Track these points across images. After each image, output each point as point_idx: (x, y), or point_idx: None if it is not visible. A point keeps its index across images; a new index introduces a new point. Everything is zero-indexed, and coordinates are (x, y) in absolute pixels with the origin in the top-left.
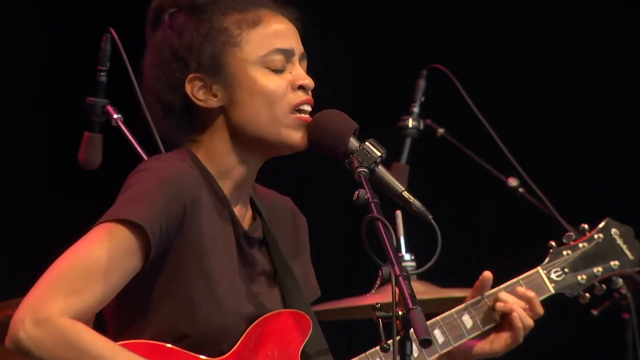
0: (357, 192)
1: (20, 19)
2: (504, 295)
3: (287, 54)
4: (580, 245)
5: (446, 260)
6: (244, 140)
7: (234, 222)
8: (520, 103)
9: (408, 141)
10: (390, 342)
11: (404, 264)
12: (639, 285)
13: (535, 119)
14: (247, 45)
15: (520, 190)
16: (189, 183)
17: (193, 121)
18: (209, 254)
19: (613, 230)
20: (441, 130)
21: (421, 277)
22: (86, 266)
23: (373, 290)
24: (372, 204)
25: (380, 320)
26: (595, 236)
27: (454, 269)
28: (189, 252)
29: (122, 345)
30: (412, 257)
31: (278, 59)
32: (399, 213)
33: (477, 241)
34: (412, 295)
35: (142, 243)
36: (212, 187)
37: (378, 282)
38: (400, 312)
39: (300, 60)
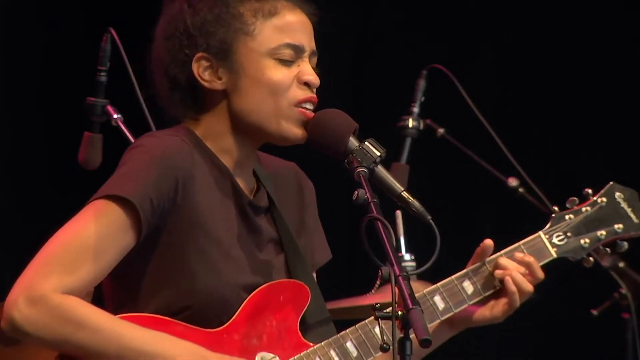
0: (356, 192)
1: (20, 19)
2: (503, 261)
3: (297, 49)
4: (584, 209)
5: (446, 260)
6: (243, 125)
7: (237, 192)
8: (520, 103)
9: (408, 141)
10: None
11: (404, 264)
12: (639, 285)
13: (535, 119)
14: (259, 36)
15: (520, 190)
16: (181, 158)
17: (196, 99)
18: (206, 226)
19: (617, 194)
20: (441, 130)
21: (421, 277)
22: (78, 244)
23: (373, 290)
24: (371, 203)
25: (379, 320)
26: (599, 200)
27: (453, 269)
28: (185, 226)
29: (122, 318)
30: (412, 257)
31: (287, 52)
32: (399, 213)
33: (477, 241)
34: (412, 295)
35: (133, 219)
36: (211, 161)
37: (378, 282)
38: (400, 312)
39: (310, 57)
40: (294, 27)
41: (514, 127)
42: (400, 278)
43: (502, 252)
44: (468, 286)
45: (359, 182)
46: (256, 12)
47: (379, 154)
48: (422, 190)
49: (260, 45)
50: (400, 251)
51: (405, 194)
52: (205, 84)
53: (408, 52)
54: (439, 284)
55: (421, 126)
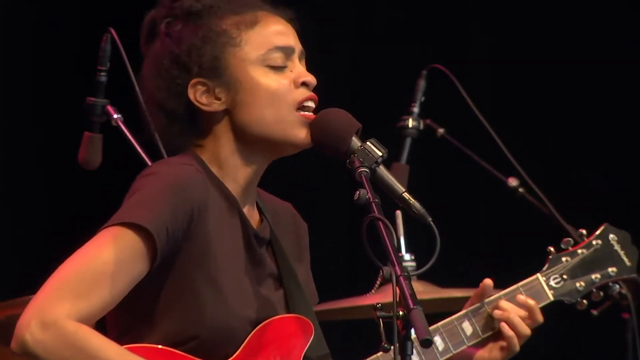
0: (358, 192)
1: (20, 19)
2: (503, 303)
3: (287, 51)
4: (579, 251)
5: (446, 260)
6: (248, 141)
7: (244, 222)
8: (520, 103)
9: (408, 141)
10: (390, 341)
11: (404, 264)
12: (639, 285)
13: (536, 119)
14: (246, 45)
15: (520, 190)
16: (196, 187)
17: (197, 126)
18: (216, 257)
19: (611, 236)
20: (441, 130)
21: (421, 277)
22: (93, 269)
23: (373, 290)
24: (373, 203)
25: (380, 320)
26: (594, 242)
27: (453, 269)
28: (196, 256)
29: (129, 349)
30: (412, 257)
31: (278, 56)
32: (399, 213)
33: (477, 241)
34: (413, 295)
35: (148, 247)
36: (220, 189)
37: (378, 282)
38: (401, 312)
39: (299, 58)
40: (278, 31)
41: (513, 127)
42: (401, 278)
43: (502, 293)
44: (467, 327)
45: (360, 182)
46: (238, 25)
47: (380, 154)
48: (422, 191)
49: (249, 53)
50: (401, 251)
51: (406, 195)
52: (205, 108)
53: (408, 52)
54: (439, 324)
55: (421, 126)
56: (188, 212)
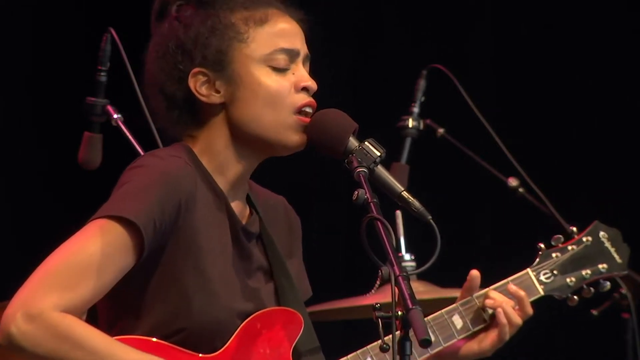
0: (356, 192)
1: (20, 19)
2: (493, 293)
3: (292, 54)
4: (569, 247)
5: (446, 260)
6: (243, 138)
7: (231, 216)
8: (520, 103)
9: (408, 141)
10: (389, 341)
11: (403, 264)
12: (639, 285)
13: (536, 119)
14: (252, 43)
15: (520, 190)
16: (184, 180)
17: (194, 115)
18: (203, 250)
19: (601, 233)
20: (441, 130)
21: (421, 277)
22: (79, 261)
23: (373, 290)
24: (371, 203)
25: (379, 320)
26: (584, 239)
27: (453, 269)
28: (184, 248)
29: (118, 340)
30: (412, 257)
31: (282, 58)
32: (398, 213)
33: (477, 241)
34: (412, 295)
35: (135, 240)
36: (209, 183)
37: (378, 282)
38: (399, 312)
39: (303, 62)
40: (286, 32)
41: (514, 127)
42: (400, 278)
43: (492, 287)
44: (457, 320)
45: (359, 182)
46: (247, 20)
47: (378, 153)
48: (422, 190)
49: (254, 51)
50: (400, 251)
51: (405, 194)
52: (203, 99)
53: (408, 52)
54: (429, 317)
55: (421, 126)
56: (176, 205)
